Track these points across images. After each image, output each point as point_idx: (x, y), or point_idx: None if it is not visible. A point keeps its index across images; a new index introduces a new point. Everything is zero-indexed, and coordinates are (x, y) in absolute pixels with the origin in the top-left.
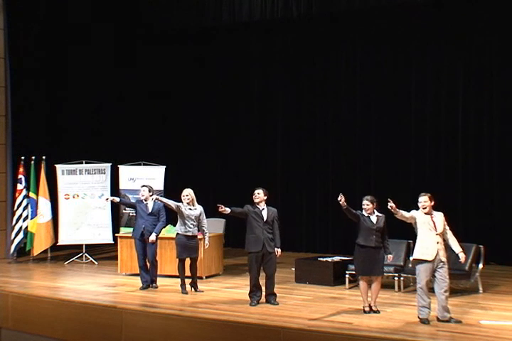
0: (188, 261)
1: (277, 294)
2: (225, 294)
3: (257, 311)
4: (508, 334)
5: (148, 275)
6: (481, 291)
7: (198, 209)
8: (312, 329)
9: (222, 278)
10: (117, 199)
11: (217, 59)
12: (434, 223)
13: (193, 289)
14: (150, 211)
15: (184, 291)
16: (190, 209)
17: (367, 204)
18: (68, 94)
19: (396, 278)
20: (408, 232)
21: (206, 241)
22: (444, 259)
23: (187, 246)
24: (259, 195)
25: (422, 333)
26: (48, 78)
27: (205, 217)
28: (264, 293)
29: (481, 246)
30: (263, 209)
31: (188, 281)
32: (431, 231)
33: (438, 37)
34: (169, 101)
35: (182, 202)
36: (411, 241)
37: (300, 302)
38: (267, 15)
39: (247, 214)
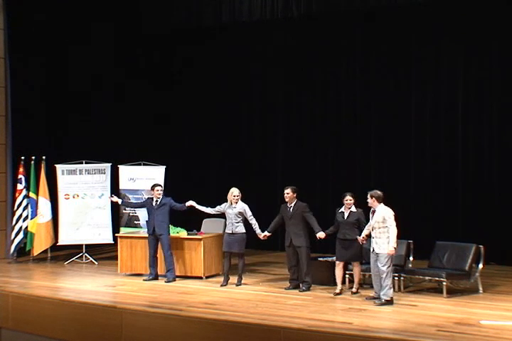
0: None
1: (280, 294)
2: (225, 294)
3: (257, 311)
4: (508, 334)
5: (155, 269)
6: (481, 291)
7: (238, 207)
8: (312, 329)
9: (222, 278)
10: (119, 202)
11: (216, 59)
12: None
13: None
14: (157, 206)
15: (222, 283)
16: (230, 208)
17: (349, 199)
18: (68, 94)
19: (396, 278)
20: (408, 232)
21: (257, 231)
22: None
23: (226, 241)
24: (288, 194)
25: (422, 333)
26: (48, 78)
27: (249, 212)
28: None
29: (481, 246)
30: (291, 206)
31: (230, 276)
32: None
33: (438, 37)
34: (169, 101)
35: (227, 202)
36: (411, 241)
37: (300, 302)
38: (267, 15)
39: (283, 217)
